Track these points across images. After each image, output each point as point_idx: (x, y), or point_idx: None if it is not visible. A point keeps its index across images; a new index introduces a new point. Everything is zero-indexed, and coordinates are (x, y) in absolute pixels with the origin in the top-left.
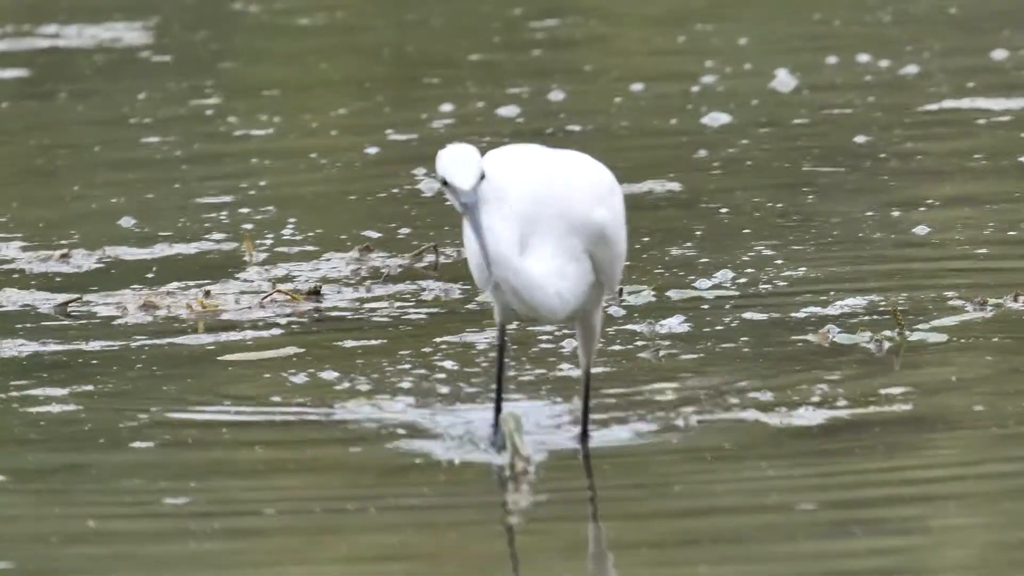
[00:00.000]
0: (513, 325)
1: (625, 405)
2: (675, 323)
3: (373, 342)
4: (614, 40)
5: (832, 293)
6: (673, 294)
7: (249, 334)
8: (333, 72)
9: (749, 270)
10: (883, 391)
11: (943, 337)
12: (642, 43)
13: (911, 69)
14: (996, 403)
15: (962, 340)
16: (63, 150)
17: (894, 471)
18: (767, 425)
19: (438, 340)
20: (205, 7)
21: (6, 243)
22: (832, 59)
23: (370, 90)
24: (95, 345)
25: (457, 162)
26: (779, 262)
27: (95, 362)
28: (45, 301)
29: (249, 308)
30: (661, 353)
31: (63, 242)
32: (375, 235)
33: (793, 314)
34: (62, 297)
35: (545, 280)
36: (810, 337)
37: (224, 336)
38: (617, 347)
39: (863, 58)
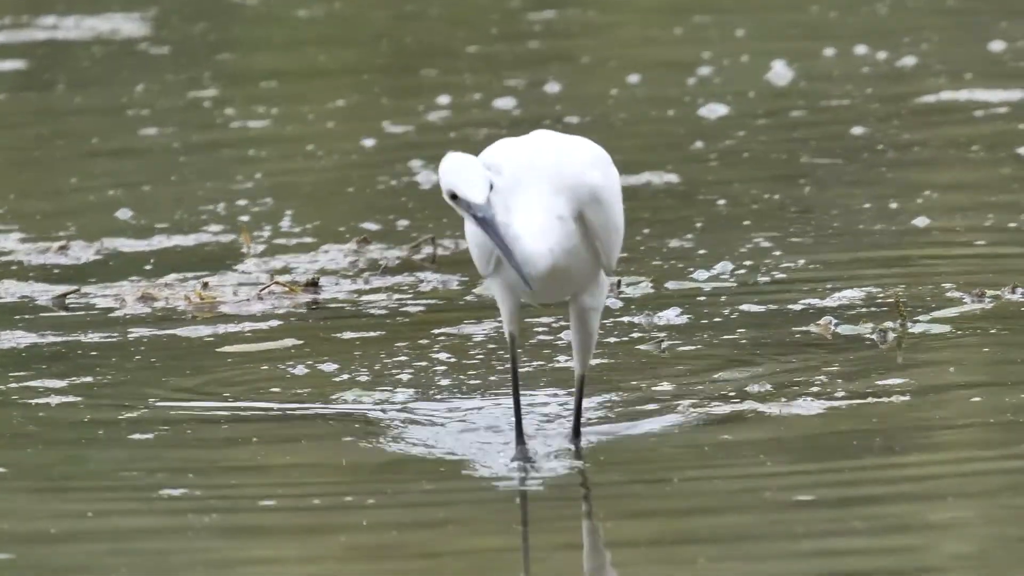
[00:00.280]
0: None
1: (623, 397)
2: (673, 315)
3: (371, 334)
4: (611, 31)
5: (829, 285)
6: (671, 285)
7: (247, 326)
8: (331, 63)
9: (747, 262)
10: (881, 383)
11: (946, 328)
12: (639, 34)
13: (909, 60)
14: (994, 395)
15: (961, 332)
16: (61, 141)
17: (892, 463)
18: (765, 417)
19: (436, 332)
20: None
21: (4, 235)
22: (830, 51)
23: (368, 81)
24: (93, 337)
25: (465, 175)
26: (777, 253)
27: (94, 354)
28: (43, 293)
29: (247, 300)
30: (664, 345)
31: (61, 234)
32: (373, 227)
33: (791, 305)
34: (60, 289)
35: (535, 241)
36: (812, 328)
37: (222, 328)
38: (614, 339)
39: (861, 49)
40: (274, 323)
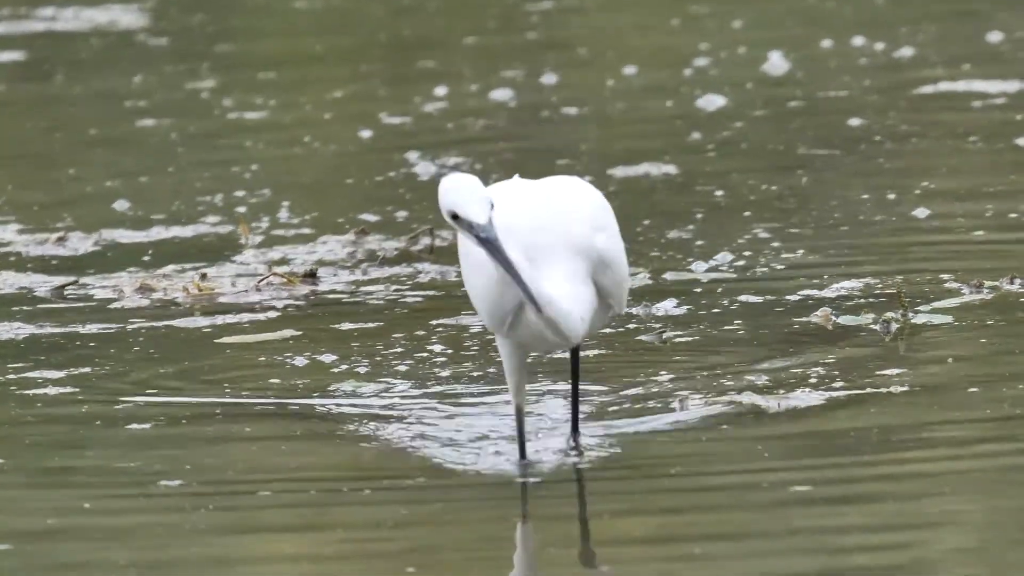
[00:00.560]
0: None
1: (620, 388)
2: (671, 306)
3: (369, 325)
4: (609, 23)
5: (826, 276)
6: (669, 277)
7: (245, 317)
8: (328, 54)
9: (746, 253)
10: (879, 373)
11: (947, 319)
12: (637, 25)
13: (906, 51)
14: (992, 385)
15: (960, 323)
16: (59, 132)
17: (890, 453)
18: (764, 407)
19: (434, 323)
20: None
21: (3, 226)
22: (827, 41)
23: (365, 72)
24: (92, 328)
25: (467, 195)
26: (775, 245)
27: (92, 345)
28: (41, 284)
29: (245, 291)
30: (664, 335)
31: (59, 225)
32: (371, 218)
33: (790, 296)
34: (58, 280)
35: (571, 305)
36: (812, 319)
37: (220, 319)
38: (611, 330)
39: (858, 40)
40: (272, 314)
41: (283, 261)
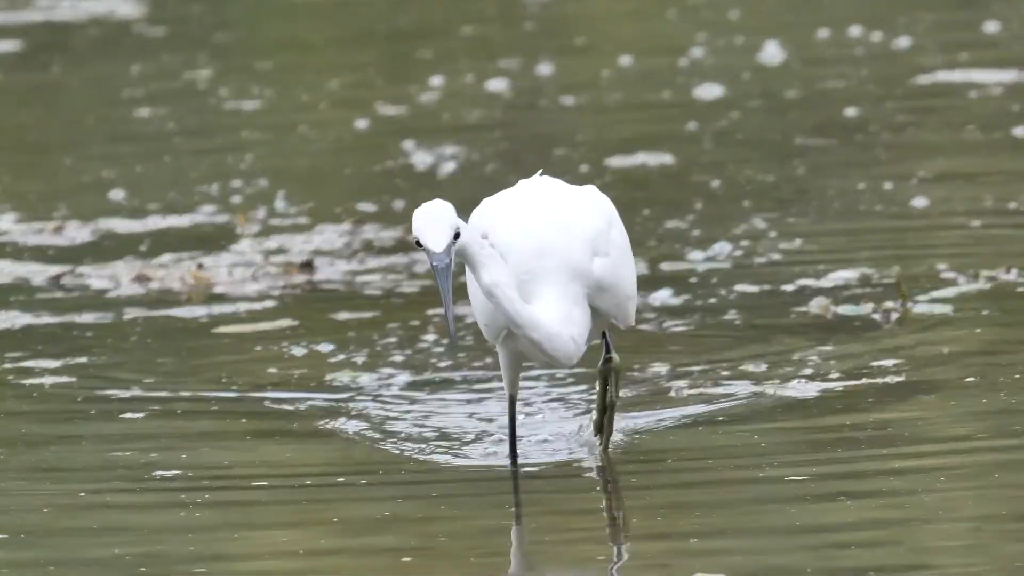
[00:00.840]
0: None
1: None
2: (667, 295)
3: (366, 314)
4: (605, 12)
5: (821, 266)
6: (666, 267)
7: (242, 306)
8: (326, 45)
9: (743, 242)
10: (875, 363)
11: (947, 309)
12: (633, 16)
13: (903, 41)
14: (988, 375)
15: (958, 313)
16: (56, 122)
17: (886, 443)
18: (760, 397)
19: (430, 312)
20: None
21: None
22: (824, 32)
23: (362, 63)
24: (88, 317)
25: (429, 224)
26: (772, 234)
27: (89, 334)
28: (38, 273)
29: (242, 281)
30: (665, 324)
31: (56, 214)
32: (367, 207)
33: (787, 286)
34: (55, 269)
35: (561, 327)
36: (811, 309)
37: (217, 308)
38: None
39: (855, 31)
40: (269, 304)
41: (280, 251)
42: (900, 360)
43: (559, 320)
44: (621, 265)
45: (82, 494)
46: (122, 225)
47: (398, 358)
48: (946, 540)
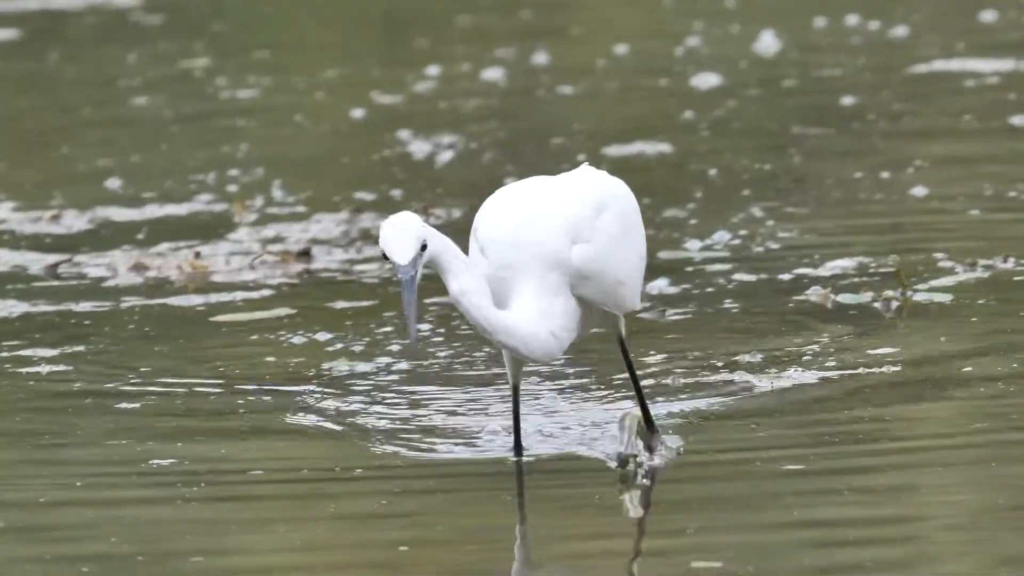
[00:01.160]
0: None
1: (614, 367)
2: (664, 284)
3: (363, 303)
4: (601, 1)
5: (817, 256)
6: (663, 255)
7: (239, 295)
8: (323, 33)
9: (741, 232)
10: (872, 352)
11: (948, 297)
12: (629, 4)
13: (900, 30)
14: (985, 364)
15: (957, 301)
16: (52, 111)
17: (882, 432)
18: (758, 386)
19: (428, 301)
20: None
21: None
22: (821, 20)
23: (358, 52)
24: (85, 306)
25: (395, 236)
26: (770, 223)
27: (86, 323)
28: (35, 262)
29: (239, 269)
30: (667, 314)
31: (53, 203)
32: (365, 196)
33: (784, 275)
34: (52, 258)
35: (536, 326)
36: (810, 298)
37: (214, 297)
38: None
39: (852, 19)
40: (266, 293)
41: (277, 239)
42: (898, 348)
43: (537, 316)
44: (609, 251)
45: (78, 483)
46: (119, 214)
47: (395, 347)
48: (943, 529)
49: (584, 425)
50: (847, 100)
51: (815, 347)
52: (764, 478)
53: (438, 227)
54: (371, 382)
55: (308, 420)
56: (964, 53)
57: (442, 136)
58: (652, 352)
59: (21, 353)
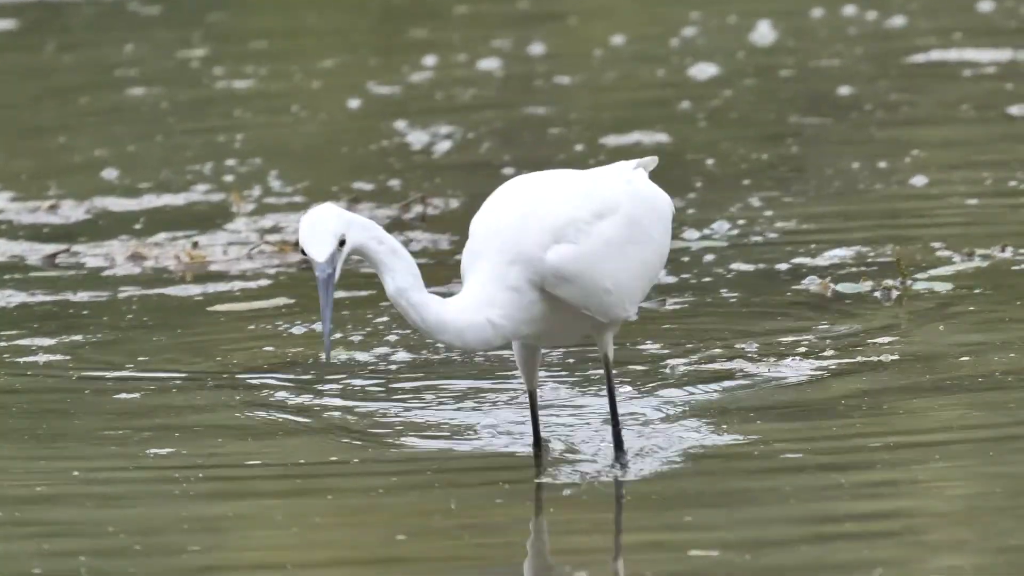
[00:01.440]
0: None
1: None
2: (663, 274)
3: (361, 293)
4: None
5: (814, 245)
6: None
7: (237, 285)
8: (320, 24)
9: (739, 221)
10: (871, 342)
11: (948, 287)
12: None
13: (897, 20)
14: (982, 354)
15: (955, 291)
16: (49, 101)
17: (880, 423)
18: (756, 375)
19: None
20: None
21: None
22: (818, 11)
23: (355, 42)
24: (83, 296)
25: (310, 232)
26: (768, 213)
27: (84, 312)
28: (33, 252)
29: (237, 259)
30: (668, 304)
31: (51, 193)
32: (363, 186)
33: (783, 265)
34: (50, 248)
35: (473, 314)
36: (809, 287)
37: (212, 287)
38: None
39: (849, 9)
40: (264, 282)
41: (275, 229)
42: (895, 337)
43: (474, 304)
44: (599, 256)
45: (76, 472)
46: (117, 204)
47: (393, 337)
48: (940, 516)
49: (581, 420)
50: (844, 90)
51: (813, 336)
52: (761, 466)
53: (435, 217)
54: (368, 371)
55: (306, 409)
56: (961, 43)
57: (439, 126)
58: (650, 341)
59: (19, 343)
